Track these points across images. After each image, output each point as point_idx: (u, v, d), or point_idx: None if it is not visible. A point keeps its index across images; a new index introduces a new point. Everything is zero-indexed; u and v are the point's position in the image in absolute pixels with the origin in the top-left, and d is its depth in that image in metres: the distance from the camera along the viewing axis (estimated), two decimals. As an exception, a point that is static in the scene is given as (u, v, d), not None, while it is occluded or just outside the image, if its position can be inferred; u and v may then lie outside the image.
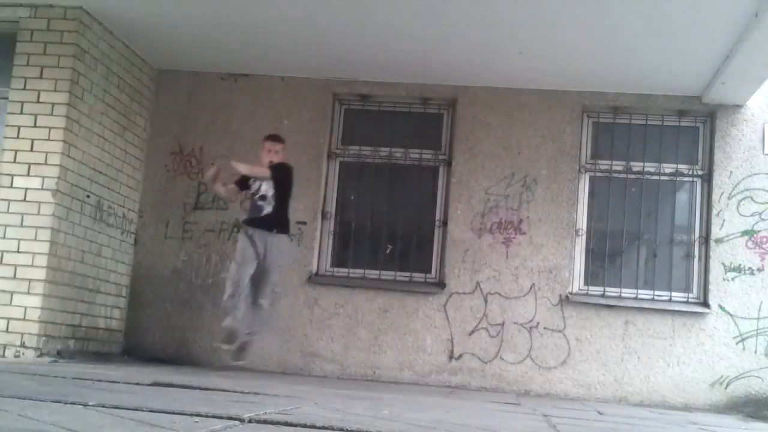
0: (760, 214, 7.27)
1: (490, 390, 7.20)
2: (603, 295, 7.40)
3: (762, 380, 7.05)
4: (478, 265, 7.43)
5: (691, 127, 7.63)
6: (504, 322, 7.35)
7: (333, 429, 2.02)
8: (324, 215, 7.79)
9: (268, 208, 6.23)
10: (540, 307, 7.35)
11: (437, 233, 7.69)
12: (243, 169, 6.21)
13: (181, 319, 7.70)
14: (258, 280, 6.26)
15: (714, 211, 7.30)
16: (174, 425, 1.86)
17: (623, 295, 7.38)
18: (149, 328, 7.72)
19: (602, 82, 7.44)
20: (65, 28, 6.63)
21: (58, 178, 6.47)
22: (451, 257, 7.49)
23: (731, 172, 7.35)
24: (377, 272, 7.68)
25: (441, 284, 7.49)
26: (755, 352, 7.10)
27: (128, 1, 6.58)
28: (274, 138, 6.51)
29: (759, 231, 7.24)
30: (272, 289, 6.44)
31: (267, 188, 6.30)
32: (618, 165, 7.60)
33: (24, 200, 6.45)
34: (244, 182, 6.38)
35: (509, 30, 6.52)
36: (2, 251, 6.41)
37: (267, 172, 6.22)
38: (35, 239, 6.39)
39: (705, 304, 7.23)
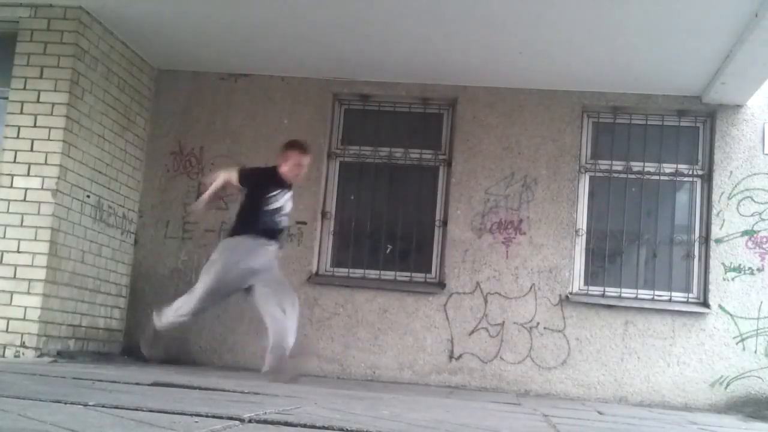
0: (760, 214, 7.27)
1: (490, 390, 7.20)
2: (603, 295, 7.40)
3: (762, 380, 7.05)
4: (478, 265, 7.43)
5: (691, 127, 7.63)
6: (504, 322, 7.35)
7: (333, 429, 2.02)
8: (324, 215, 7.79)
9: (285, 222, 6.01)
10: (540, 307, 7.35)
11: (437, 233, 7.69)
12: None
13: (181, 319, 7.68)
14: (269, 293, 5.76)
15: (714, 211, 7.30)
16: (174, 425, 1.86)
17: (623, 295, 7.38)
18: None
19: (602, 82, 7.44)
20: (65, 28, 6.63)
21: (58, 178, 6.47)
22: (451, 257, 7.49)
23: (731, 172, 7.35)
24: (377, 272, 7.67)
25: (441, 284, 7.49)
26: (755, 352, 7.10)
27: (128, 1, 6.58)
28: (303, 149, 5.99)
29: (759, 231, 7.24)
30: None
31: (287, 201, 5.95)
32: (618, 165, 7.61)
33: (24, 200, 6.44)
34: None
35: (509, 30, 6.52)
36: (2, 251, 6.41)
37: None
38: (35, 239, 6.39)
39: (705, 304, 7.23)
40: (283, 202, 5.94)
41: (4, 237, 6.43)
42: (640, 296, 7.37)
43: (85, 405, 2.18)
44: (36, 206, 6.42)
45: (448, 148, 7.77)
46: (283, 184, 5.95)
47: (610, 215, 7.60)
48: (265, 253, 5.81)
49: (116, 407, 2.16)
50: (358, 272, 7.71)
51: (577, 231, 7.49)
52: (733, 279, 7.20)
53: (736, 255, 7.23)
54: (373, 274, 7.67)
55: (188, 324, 6.12)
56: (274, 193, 5.87)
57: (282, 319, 5.64)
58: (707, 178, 7.45)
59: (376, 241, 7.79)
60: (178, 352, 7.62)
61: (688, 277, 7.40)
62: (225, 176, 6.02)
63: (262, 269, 5.77)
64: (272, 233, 5.89)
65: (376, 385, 6.68)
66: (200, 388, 3.33)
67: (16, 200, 6.46)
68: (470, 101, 7.69)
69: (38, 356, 6.29)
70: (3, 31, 6.77)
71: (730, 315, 7.16)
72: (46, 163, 6.46)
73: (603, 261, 7.56)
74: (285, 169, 5.94)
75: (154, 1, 6.59)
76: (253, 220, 5.84)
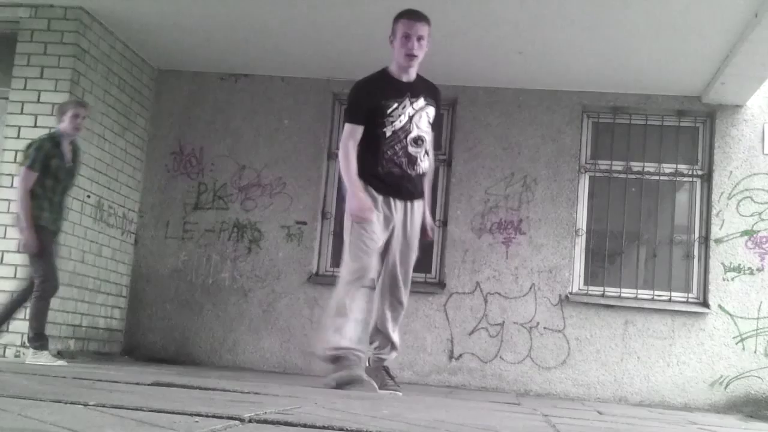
0: (759, 214, 7.27)
1: (490, 390, 7.20)
2: (603, 295, 7.41)
3: (762, 380, 7.05)
4: (478, 265, 7.43)
5: (691, 127, 7.63)
6: (504, 322, 7.35)
7: (333, 429, 2.02)
8: (324, 215, 7.79)
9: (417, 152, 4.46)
10: (540, 307, 7.35)
11: (437, 233, 7.69)
12: None
13: (181, 319, 7.71)
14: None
15: (714, 211, 7.30)
16: (174, 425, 1.86)
17: (623, 295, 7.38)
18: (149, 328, 7.72)
19: (602, 82, 7.44)
20: (65, 28, 6.64)
21: (59, 178, 6.47)
22: (451, 257, 7.49)
23: (731, 172, 7.35)
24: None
25: (441, 284, 7.49)
26: (755, 352, 7.10)
27: (128, 1, 6.59)
28: (411, 16, 4.43)
29: (759, 231, 7.24)
30: None
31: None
32: (618, 165, 7.61)
33: (24, 200, 6.44)
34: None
35: (509, 30, 6.52)
36: (2, 251, 6.42)
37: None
38: (35, 239, 6.39)
39: (705, 304, 7.23)
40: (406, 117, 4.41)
41: (4, 237, 6.43)
42: (639, 296, 7.38)
43: (85, 405, 2.18)
44: (36, 206, 6.41)
45: (448, 148, 7.76)
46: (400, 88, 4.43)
47: (610, 215, 7.60)
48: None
49: (116, 407, 2.17)
50: (358, 272, 7.69)
51: (576, 231, 7.49)
52: (732, 279, 7.20)
53: (736, 255, 7.23)
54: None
55: None
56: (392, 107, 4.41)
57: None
58: (707, 178, 7.45)
59: (376, 241, 7.78)
60: (177, 352, 7.63)
61: (688, 277, 7.40)
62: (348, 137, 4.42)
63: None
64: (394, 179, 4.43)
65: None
66: (200, 388, 3.33)
67: (16, 200, 6.45)
68: (470, 101, 7.69)
69: (38, 356, 6.28)
70: (3, 31, 6.78)
71: (730, 315, 7.16)
72: (46, 163, 6.45)
73: (603, 261, 7.56)
74: (393, 47, 4.41)
75: (154, 1, 6.60)
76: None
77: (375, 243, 4.36)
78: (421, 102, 4.49)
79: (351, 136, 4.41)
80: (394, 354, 4.71)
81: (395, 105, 4.40)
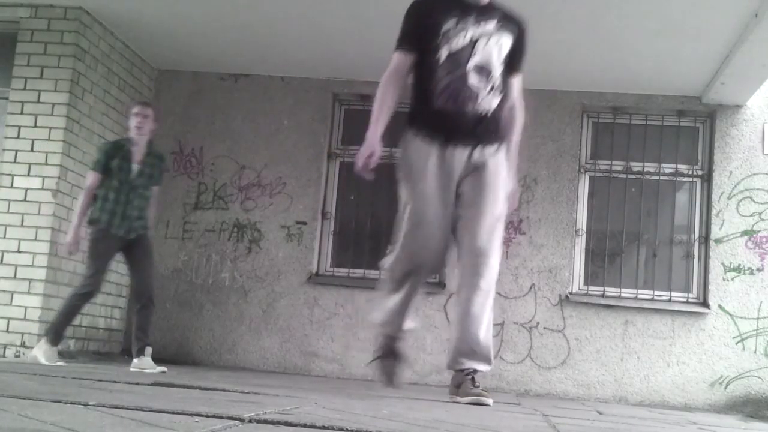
0: (759, 214, 7.27)
1: (489, 390, 7.19)
2: (603, 295, 7.41)
3: (762, 380, 7.05)
4: (478, 265, 7.42)
5: (691, 128, 7.63)
6: (504, 322, 7.35)
7: (333, 429, 2.02)
8: (324, 215, 7.79)
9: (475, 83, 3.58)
10: (540, 307, 7.35)
11: (437, 233, 7.68)
12: None
13: (182, 319, 7.71)
14: None
15: (714, 211, 7.31)
16: (174, 425, 1.86)
17: (623, 295, 7.39)
18: (149, 328, 7.71)
19: (602, 82, 7.44)
20: (65, 28, 6.64)
21: (59, 178, 6.48)
22: (451, 257, 7.47)
23: (731, 172, 7.35)
24: (377, 272, 7.66)
25: (441, 284, 7.48)
26: (755, 352, 7.10)
27: (128, 1, 6.59)
28: None
29: (759, 231, 7.24)
30: None
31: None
32: (618, 165, 7.61)
33: (24, 200, 6.46)
34: None
35: (509, 30, 6.52)
36: (2, 251, 6.42)
37: None
38: (35, 239, 6.40)
39: (705, 304, 7.23)
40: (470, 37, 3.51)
41: (4, 237, 6.43)
42: (639, 296, 7.38)
43: (85, 405, 2.19)
44: (36, 206, 6.43)
45: (448, 148, 7.76)
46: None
47: (610, 215, 7.60)
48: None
49: (116, 407, 2.17)
50: (358, 272, 7.71)
51: (576, 231, 7.49)
52: (732, 279, 7.20)
53: (736, 255, 7.23)
54: (373, 274, 7.66)
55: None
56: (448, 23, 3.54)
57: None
58: (707, 178, 7.45)
59: (376, 241, 7.78)
60: (178, 352, 7.63)
61: (688, 277, 7.41)
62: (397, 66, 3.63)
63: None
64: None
65: (376, 385, 6.67)
66: (200, 388, 3.34)
67: (16, 200, 6.47)
68: (470, 101, 7.68)
69: (38, 356, 6.28)
70: (3, 31, 6.78)
71: (730, 315, 7.16)
72: (46, 163, 6.47)
73: (603, 261, 7.56)
74: None
75: (154, 1, 6.60)
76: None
77: (430, 227, 3.65)
78: (491, 26, 3.54)
79: (396, 67, 3.60)
80: (483, 367, 3.88)
81: (453, 22, 3.50)
